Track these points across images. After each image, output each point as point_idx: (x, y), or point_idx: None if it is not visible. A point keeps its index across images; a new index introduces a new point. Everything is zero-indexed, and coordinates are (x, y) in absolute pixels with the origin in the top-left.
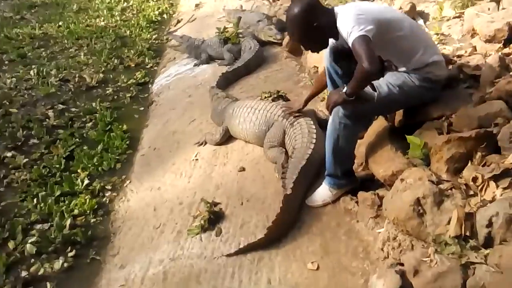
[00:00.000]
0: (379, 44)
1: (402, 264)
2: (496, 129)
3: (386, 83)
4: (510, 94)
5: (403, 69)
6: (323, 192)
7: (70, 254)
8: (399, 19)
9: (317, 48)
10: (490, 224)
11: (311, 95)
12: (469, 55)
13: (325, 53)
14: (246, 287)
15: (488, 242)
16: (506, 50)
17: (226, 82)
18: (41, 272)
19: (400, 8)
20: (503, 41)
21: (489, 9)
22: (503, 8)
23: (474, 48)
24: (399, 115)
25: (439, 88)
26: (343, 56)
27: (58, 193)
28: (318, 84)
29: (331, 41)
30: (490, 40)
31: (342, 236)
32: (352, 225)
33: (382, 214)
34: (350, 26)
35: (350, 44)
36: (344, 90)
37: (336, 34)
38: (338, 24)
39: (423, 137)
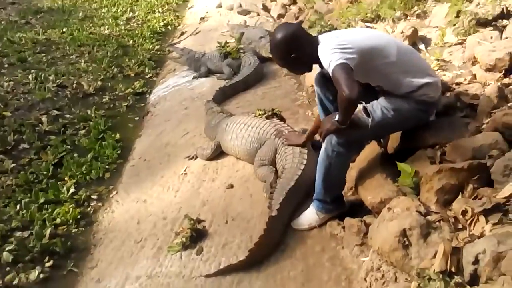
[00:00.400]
0: (365, 72)
1: None
2: (490, 161)
3: (380, 107)
4: (506, 126)
5: (396, 93)
6: (310, 215)
7: (47, 265)
8: (384, 46)
9: (299, 72)
10: (476, 261)
11: (313, 130)
12: (468, 83)
13: (316, 75)
14: None
15: (474, 280)
16: (506, 80)
17: (223, 96)
18: (15, 281)
19: (402, 32)
20: (503, 71)
21: (491, 37)
22: (506, 37)
23: (474, 76)
24: (393, 141)
25: (435, 108)
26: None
27: (42, 200)
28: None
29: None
30: (490, 69)
31: (326, 262)
32: (337, 251)
33: (368, 242)
34: (330, 56)
35: (330, 74)
36: (336, 118)
37: (319, 61)
38: (319, 54)
39: (414, 165)
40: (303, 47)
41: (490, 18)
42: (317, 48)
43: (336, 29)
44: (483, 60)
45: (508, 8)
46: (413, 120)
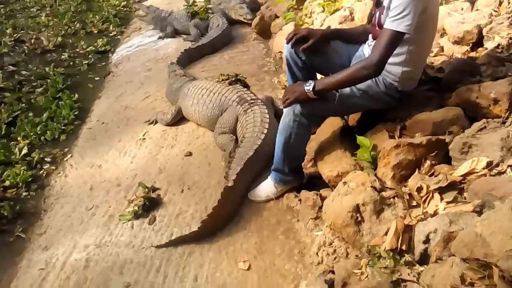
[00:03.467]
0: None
1: (334, 272)
2: (449, 137)
3: None
4: (468, 102)
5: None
6: (267, 187)
7: None
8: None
9: None
10: (427, 240)
11: (336, 30)
12: (435, 56)
13: (284, 43)
14: (170, 283)
15: (424, 259)
16: (473, 54)
17: (188, 59)
18: None
19: None
20: (471, 44)
21: (462, 8)
22: (476, 9)
23: (442, 48)
24: (356, 114)
25: (404, 97)
26: (301, 48)
27: None
28: (350, 30)
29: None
30: (458, 41)
31: (280, 235)
32: (292, 224)
33: (322, 216)
34: (402, 9)
35: (386, 26)
36: (310, 86)
37: None
38: None
39: (374, 138)
40: None
41: None
42: None
43: None
44: (451, 32)
45: None
46: (380, 102)
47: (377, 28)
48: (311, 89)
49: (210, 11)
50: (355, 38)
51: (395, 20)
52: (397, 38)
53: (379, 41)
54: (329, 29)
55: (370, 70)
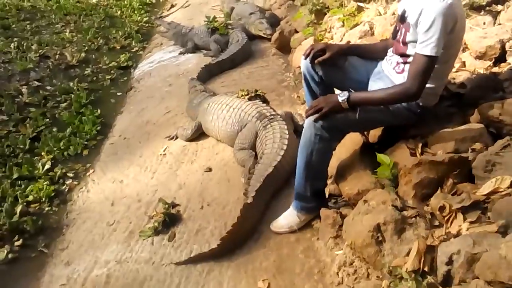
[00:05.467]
0: None
1: None
2: (472, 155)
3: None
4: (491, 119)
5: None
6: (290, 217)
7: (16, 244)
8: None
9: None
10: (450, 262)
11: (356, 46)
12: (457, 71)
13: (302, 58)
14: None
15: (447, 281)
16: (496, 70)
17: (208, 74)
18: None
19: (393, 13)
20: (493, 59)
21: (484, 23)
22: (499, 24)
23: (463, 63)
24: (377, 130)
25: (426, 113)
26: (323, 63)
27: (15, 175)
28: (369, 46)
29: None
30: (480, 56)
31: (300, 253)
32: (312, 242)
33: (342, 235)
34: (434, 33)
35: (417, 51)
36: (345, 97)
37: None
38: (423, 2)
39: (394, 156)
40: None
41: (484, 3)
42: None
43: (328, 8)
44: (474, 47)
45: None
46: (401, 118)
47: (401, 45)
48: (345, 100)
49: (230, 27)
50: (373, 54)
51: (428, 44)
52: (432, 63)
53: (416, 67)
54: (346, 44)
55: (409, 97)
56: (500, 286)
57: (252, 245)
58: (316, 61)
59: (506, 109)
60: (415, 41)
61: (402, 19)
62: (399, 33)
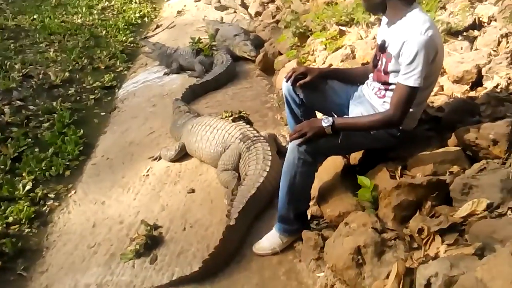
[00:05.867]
0: None
1: None
2: (449, 178)
3: None
4: (468, 143)
5: None
6: (272, 238)
7: None
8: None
9: (374, 9)
10: (428, 284)
11: (336, 70)
12: (435, 95)
13: (283, 80)
14: None
15: None
16: (473, 94)
17: (192, 95)
18: None
19: (374, 38)
20: (470, 84)
21: (461, 48)
22: (475, 49)
23: (442, 87)
24: (358, 153)
25: (405, 136)
26: (304, 86)
27: None
28: (349, 71)
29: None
30: (458, 81)
31: (282, 275)
32: (294, 264)
33: (324, 257)
34: (416, 65)
35: (400, 81)
36: (329, 123)
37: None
38: (404, 35)
39: (375, 178)
40: None
41: (461, 28)
42: (407, 6)
43: (311, 31)
44: (451, 71)
45: (480, 19)
46: (381, 141)
47: (382, 74)
48: (330, 126)
49: (214, 48)
50: (353, 79)
51: (410, 76)
52: (414, 93)
53: (399, 97)
54: (327, 68)
55: (392, 125)
56: None
57: (235, 267)
58: (297, 84)
59: (482, 133)
60: (396, 71)
61: (382, 49)
62: (379, 62)
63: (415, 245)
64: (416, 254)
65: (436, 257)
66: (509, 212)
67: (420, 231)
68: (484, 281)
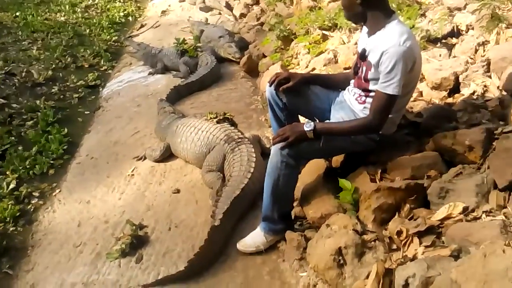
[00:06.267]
0: None
1: None
2: (427, 182)
3: None
4: (445, 148)
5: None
6: (257, 237)
7: None
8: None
9: (355, 19)
10: (407, 285)
11: (318, 76)
12: (414, 100)
13: (267, 85)
14: None
15: None
16: (450, 100)
17: (177, 95)
18: None
19: (356, 43)
20: (448, 90)
21: (440, 55)
22: (454, 56)
23: (421, 93)
24: (340, 156)
25: (384, 141)
26: (287, 91)
27: None
28: (331, 77)
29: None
30: (436, 87)
31: (266, 275)
32: (278, 264)
33: (306, 257)
34: (395, 74)
35: (380, 89)
36: (311, 127)
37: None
38: (384, 45)
39: (355, 181)
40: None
41: (440, 36)
42: (387, 18)
43: (294, 34)
44: (430, 78)
45: (459, 27)
46: (361, 145)
47: (363, 81)
48: (311, 130)
49: (199, 49)
50: (335, 84)
51: (389, 85)
52: (393, 101)
53: (378, 104)
54: (309, 73)
55: (371, 130)
56: None
57: (219, 267)
58: (280, 89)
59: (458, 139)
60: (376, 79)
61: (363, 57)
62: (360, 70)
63: (394, 247)
64: (395, 255)
65: (414, 258)
66: (483, 216)
67: (399, 233)
68: (458, 282)
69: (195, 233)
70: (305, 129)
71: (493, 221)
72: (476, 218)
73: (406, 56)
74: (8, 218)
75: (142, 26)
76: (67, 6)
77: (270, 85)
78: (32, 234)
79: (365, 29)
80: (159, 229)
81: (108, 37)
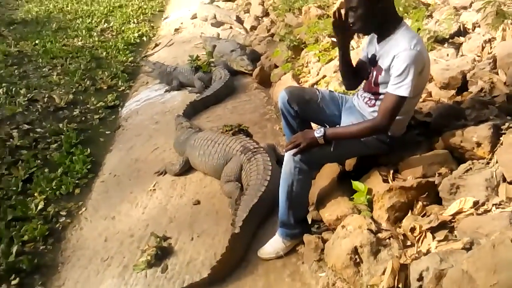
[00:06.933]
0: None
1: None
2: (438, 179)
3: None
4: (454, 146)
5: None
6: (276, 243)
7: (13, 283)
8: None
9: (363, 29)
10: (421, 278)
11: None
12: (423, 101)
13: (280, 93)
14: None
15: None
16: (459, 98)
17: (193, 110)
18: None
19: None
20: (456, 89)
21: (448, 54)
22: (461, 55)
23: (430, 93)
24: (352, 159)
25: (395, 142)
26: (299, 100)
27: (10, 217)
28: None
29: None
30: (444, 87)
31: (286, 278)
32: (297, 266)
33: (324, 258)
34: (406, 76)
35: (389, 91)
36: (321, 133)
37: (375, 32)
38: (395, 50)
39: (369, 183)
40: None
41: (447, 36)
42: (396, 24)
43: (304, 44)
44: (438, 78)
45: (465, 26)
46: (372, 148)
47: (373, 85)
48: (322, 136)
49: (212, 64)
50: (350, 68)
51: (399, 86)
52: (402, 102)
53: (386, 105)
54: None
55: (379, 131)
56: None
57: (241, 272)
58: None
59: (466, 136)
60: (386, 83)
61: (373, 63)
62: (370, 75)
63: (408, 243)
64: (409, 251)
65: (427, 253)
66: (493, 208)
67: (413, 229)
68: (469, 273)
69: (217, 241)
70: (316, 135)
71: (502, 213)
72: (486, 211)
73: (416, 60)
74: (38, 237)
75: (156, 45)
76: (83, 31)
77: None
78: (61, 252)
79: (372, 36)
80: (182, 239)
81: (124, 58)
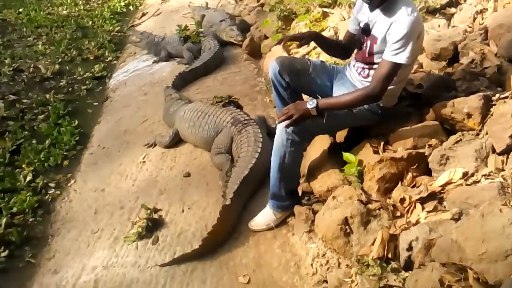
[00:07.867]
0: None
1: (327, 282)
2: (428, 150)
3: None
4: (444, 117)
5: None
6: (267, 215)
7: (3, 255)
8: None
9: None
10: (410, 248)
11: (323, 37)
12: (415, 72)
13: (271, 64)
14: None
15: (408, 266)
16: (450, 70)
17: (183, 82)
18: None
19: None
20: (447, 60)
21: (439, 25)
22: (452, 26)
23: (421, 65)
24: (343, 131)
25: (386, 113)
26: (290, 70)
27: None
28: (332, 42)
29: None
30: (435, 58)
31: (277, 249)
32: (288, 238)
33: (315, 229)
34: (406, 42)
35: (385, 58)
36: (313, 105)
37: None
38: (392, 16)
39: (359, 154)
40: None
41: (438, 6)
42: None
43: (295, 14)
44: (429, 49)
45: None
46: (364, 119)
47: (366, 55)
48: (314, 107)
49: (201, 35)
50: (335, 49)
51: (397, 54)
52: (397, 69)
53: (381, 72)
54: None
55: (372, 99)
56: (453, 267)
57: (232, 243)
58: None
59: (456, 107)
60: (381, 52)
61: (366, 32)
62: (364, 45)
63: (398, 214)
64: (399, 221)
65: (417, 223)
66: (482, 179)
67: (402, 200)
68: (458, 242)
69: (207, 213)
70: (308, 106)
71: (491, 184)
72: (475, 182)
73: (415, 25)
74: (27, 209)
75: (143, 14)
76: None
77: (278, 43)
78: (51, 224)
79: (363, 5)
80: (173, 211)
81: (111, 28)
